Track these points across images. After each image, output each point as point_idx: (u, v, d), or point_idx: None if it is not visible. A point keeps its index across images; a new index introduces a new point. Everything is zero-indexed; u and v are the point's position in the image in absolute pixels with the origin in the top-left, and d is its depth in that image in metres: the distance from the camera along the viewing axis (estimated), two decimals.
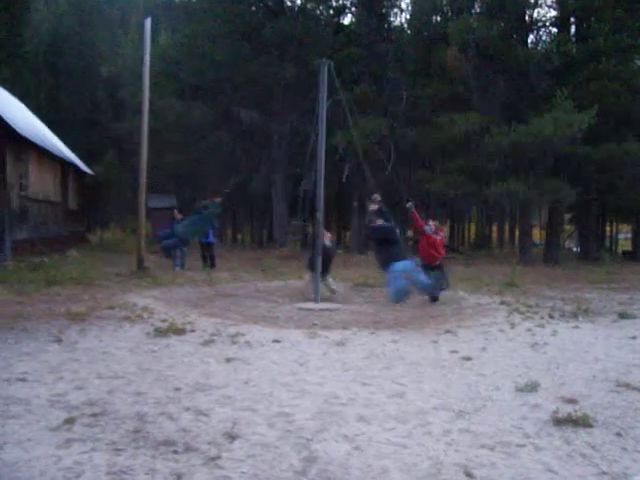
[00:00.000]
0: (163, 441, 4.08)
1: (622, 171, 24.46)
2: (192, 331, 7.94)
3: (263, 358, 6.67)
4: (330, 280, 13.31)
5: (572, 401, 5.21)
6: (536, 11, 27.45)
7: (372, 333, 8.44)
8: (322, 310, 10.97)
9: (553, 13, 27.12)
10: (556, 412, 4.81)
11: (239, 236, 43.15)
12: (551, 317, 10.04)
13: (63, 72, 45.82)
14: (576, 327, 9.21)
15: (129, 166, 33.28)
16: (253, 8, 31.68)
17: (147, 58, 16.08)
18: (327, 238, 13.02)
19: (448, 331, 8.64)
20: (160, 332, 7.68)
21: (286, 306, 11.42)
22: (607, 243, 40.49)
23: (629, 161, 22.59)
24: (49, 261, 15.96)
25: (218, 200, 15.35)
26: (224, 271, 17.13)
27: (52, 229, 22.00)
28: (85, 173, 28.95)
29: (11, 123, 17.21)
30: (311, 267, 12.60)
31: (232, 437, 4.20)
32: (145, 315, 8.90)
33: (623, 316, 10.17)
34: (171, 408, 4.75)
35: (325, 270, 12.69)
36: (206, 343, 7.27)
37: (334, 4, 31.53)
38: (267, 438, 4.20)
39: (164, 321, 8.41)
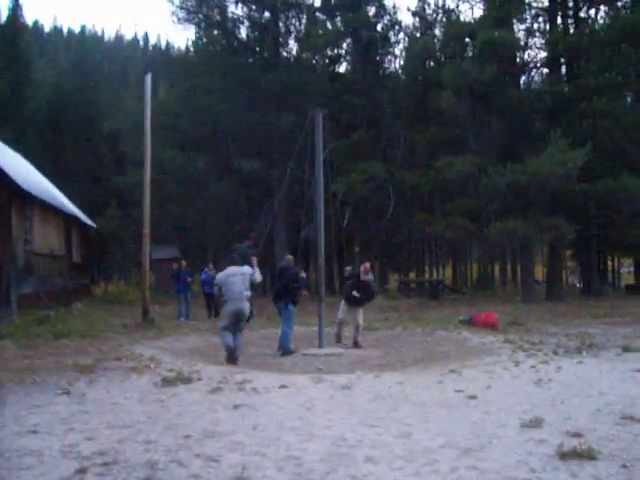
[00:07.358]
0: None
1: (620, 206, 24.63)
2: (199, 379, 7.98)
3: (270, 404, 6.71)
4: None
5: (577, 435, 5.25)
6: (526, 53, 28.03)
7: (377, 376, 8.48)
8: (327, 355, 11.03)
9: (543, 54, 27.78)
10: (561, 446, 4.85)
11: None
12: (555, 353, 10.08)
13: (65, 129, 46.57)
14: (580, 362, 9.25)
15: (132, 218, 33.60)
16: (250, 60, 32.46)
17: (148, 112, 16.46)
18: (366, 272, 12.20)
19: (453, 371, 8.68)
20: (167, 381, 7.72)
21: None
22: (610, 277, 40.51)
23: (626, 196, 22.77)
24: (55, 314, 16.01)
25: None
26: None
27: (57, 282, 22.09)
28: (88, 226, 29.20)
29: (16, 179, 17.52)
30: (347, 299, 12.30)
31: None
32: (152, 365, 8.95)
33: (627, 349, 10.21)
34: (181, 455, 4.81)
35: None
36: (213, 391, 7.32)
37: (329, 53, 32.28)
38: None
39: (171, 370, 8.46)
